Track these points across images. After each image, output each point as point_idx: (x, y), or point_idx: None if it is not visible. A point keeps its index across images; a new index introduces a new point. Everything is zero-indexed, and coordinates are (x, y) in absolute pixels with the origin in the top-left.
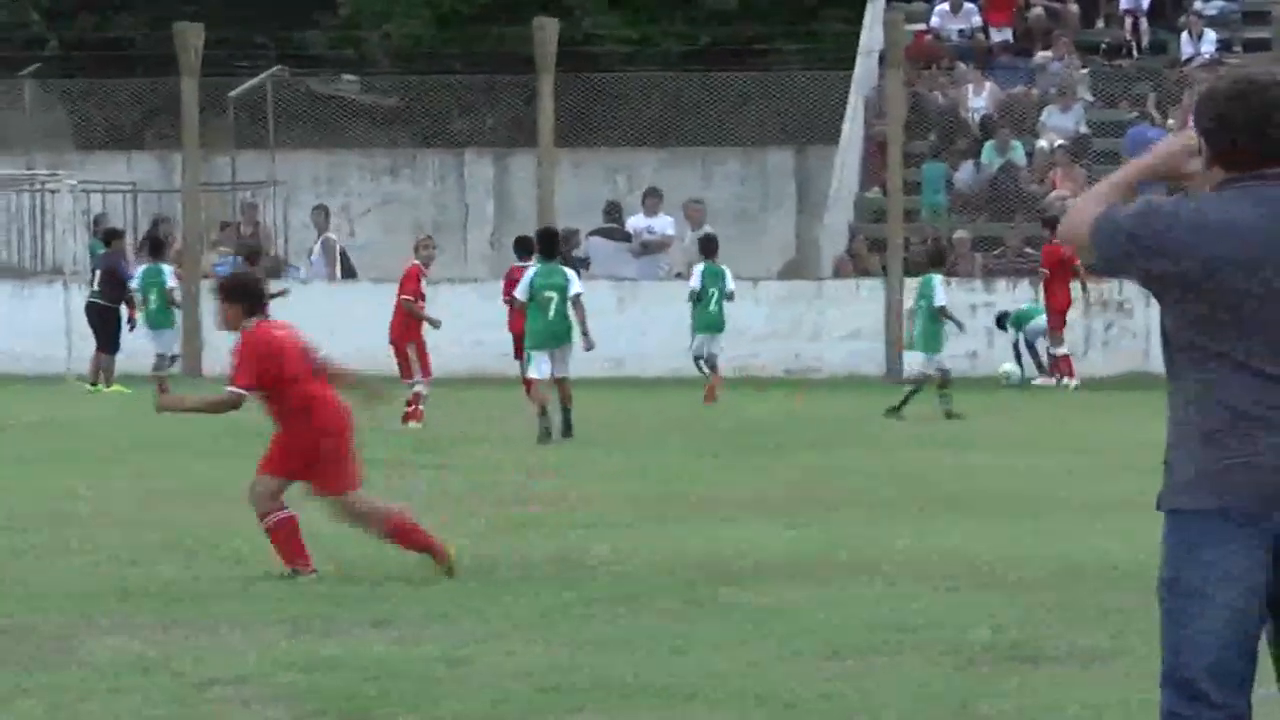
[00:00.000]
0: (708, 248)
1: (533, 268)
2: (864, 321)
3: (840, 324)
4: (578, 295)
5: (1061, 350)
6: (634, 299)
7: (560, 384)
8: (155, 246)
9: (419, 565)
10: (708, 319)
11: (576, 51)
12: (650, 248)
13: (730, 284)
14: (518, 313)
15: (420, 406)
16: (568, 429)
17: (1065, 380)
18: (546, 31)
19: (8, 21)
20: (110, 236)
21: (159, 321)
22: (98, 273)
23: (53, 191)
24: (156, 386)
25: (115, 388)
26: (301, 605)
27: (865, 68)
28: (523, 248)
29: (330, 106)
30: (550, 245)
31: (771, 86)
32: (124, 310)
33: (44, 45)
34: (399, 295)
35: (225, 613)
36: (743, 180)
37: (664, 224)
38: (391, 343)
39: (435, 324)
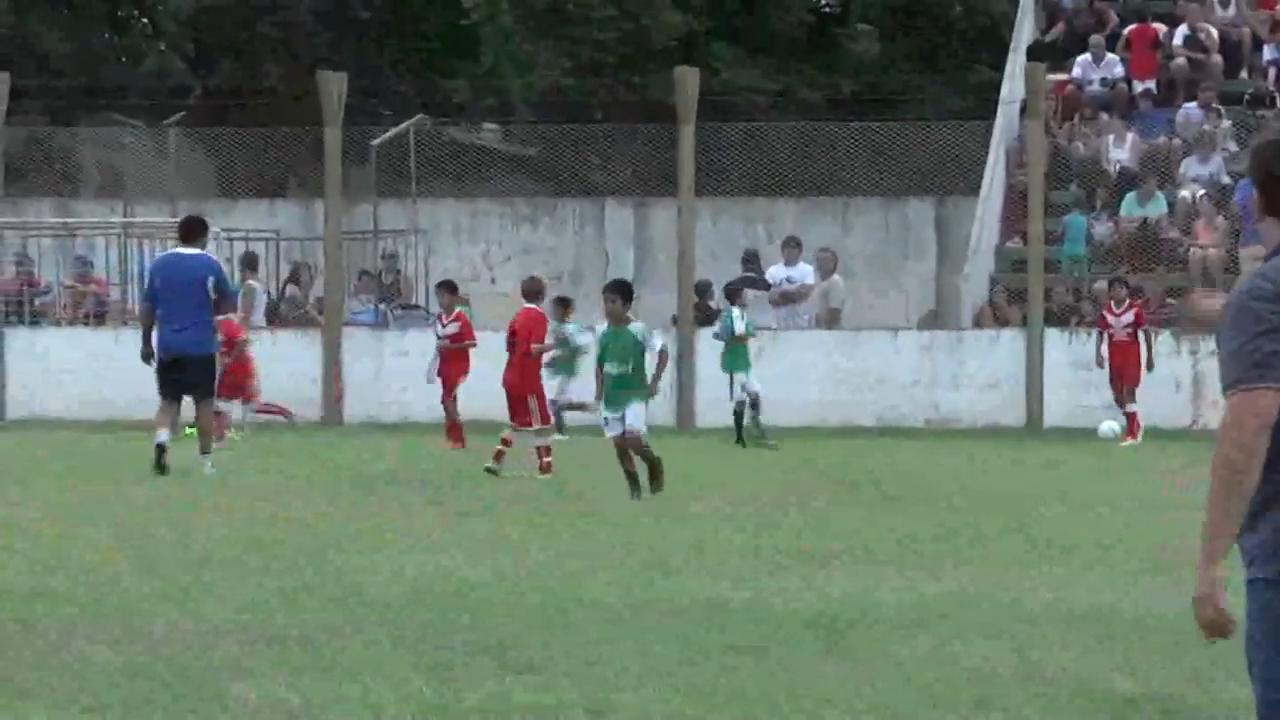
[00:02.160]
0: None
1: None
2: (1004, 371)
3: (980, 374)
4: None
5: (1133, 408)
6: (772, 348)
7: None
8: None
9: (563, 611)
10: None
11: (716, 101)
12: (789, 297)
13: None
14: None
15: (549, 458)
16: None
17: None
18: (687, 81)
19: (154, 70)
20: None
21: None
22: None
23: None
24: None
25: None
26: (444, 652)
27: (1007, 117)
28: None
29: (471, 155)
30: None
31: (911, 136)
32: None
33: (188, 94)
34: (529, 343)
35: (370, 659)
36: (882, 230)
37: (803, 273)
38: (511, 389)
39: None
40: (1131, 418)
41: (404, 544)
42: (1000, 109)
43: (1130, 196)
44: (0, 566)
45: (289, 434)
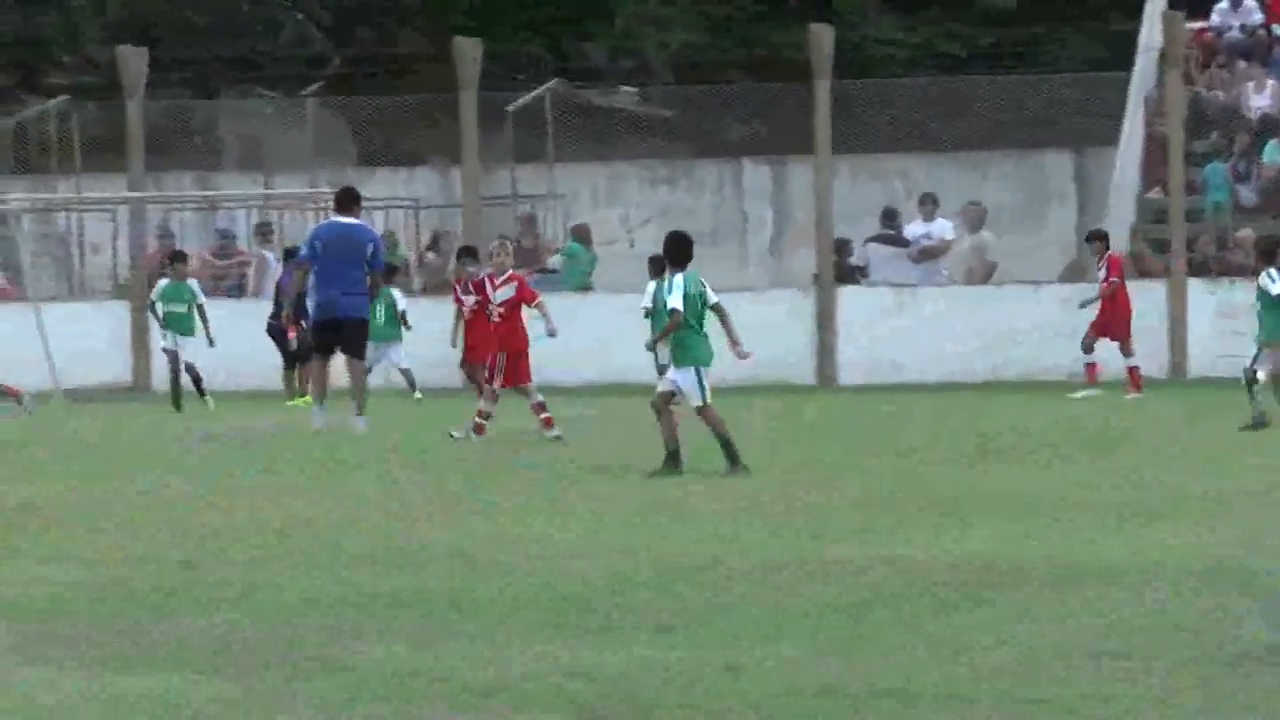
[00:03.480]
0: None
1: (679, 279)
2: (1146, 322)
3: None
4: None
5: (1133, 361)
6: (913, 304)
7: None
8: (180, 258)
9: (697, 570)
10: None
11: (852, 57)
12: (928, 253)
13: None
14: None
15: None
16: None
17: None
18: (822, 38)
19: (292, 41)
20: (287, 255)
21: (383, 335)
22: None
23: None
24: None
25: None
26: (579, 613)
27: (1145, 66)
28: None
29: (608, 118)
30: (687, 252)
31: (1049, 87)
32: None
33: (326, 64)
34: (534, 302)
35: (498, 620)
36: (1021, 183)
37: (941, 228)
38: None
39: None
40: None
41: (530, 507)
42: (1138, 58)
43: (1271, 144)
44: (149, 539)
45: (426, 398)
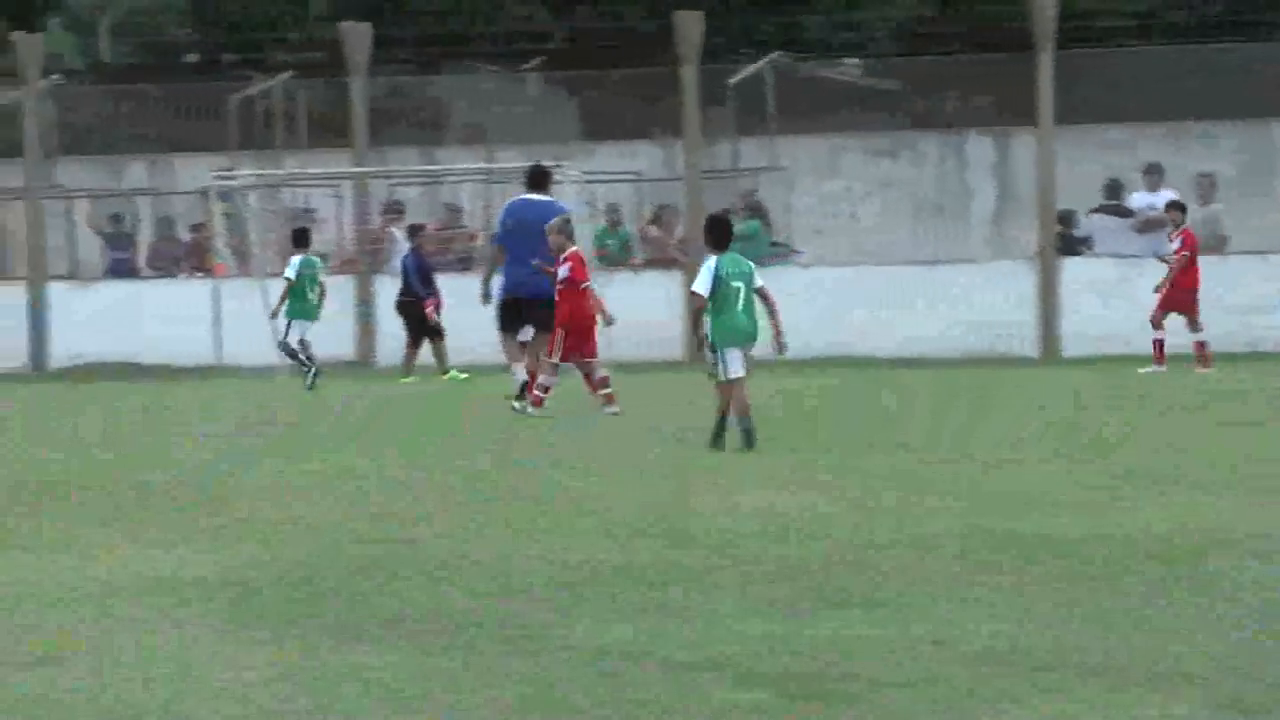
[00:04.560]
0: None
1: (712, 259)
2: None
3: None
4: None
5: (1201, 335)
6: (1138, 276)
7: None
8: (304, 237)
9: (907, 545)
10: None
11: (1077, 27)
12: (1152, 224)
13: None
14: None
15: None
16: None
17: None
18: (1045, 8)
19: (514, 16)
20: (411, 232)
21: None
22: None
23: (557, 183)
24: None
25: (450, 374)
26: (789, 588)
27: None
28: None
29: (830, 90)
30: (727, 236)
31: (1278, 56)
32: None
33: (548, 39)
34: (585, 281)
35: (711, 595)
36: (1247, 154)
37: (1166, 199)
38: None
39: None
40: None
41: (753, 481)
42: None
43: None
44: (359, 512)
45: (647, 374)
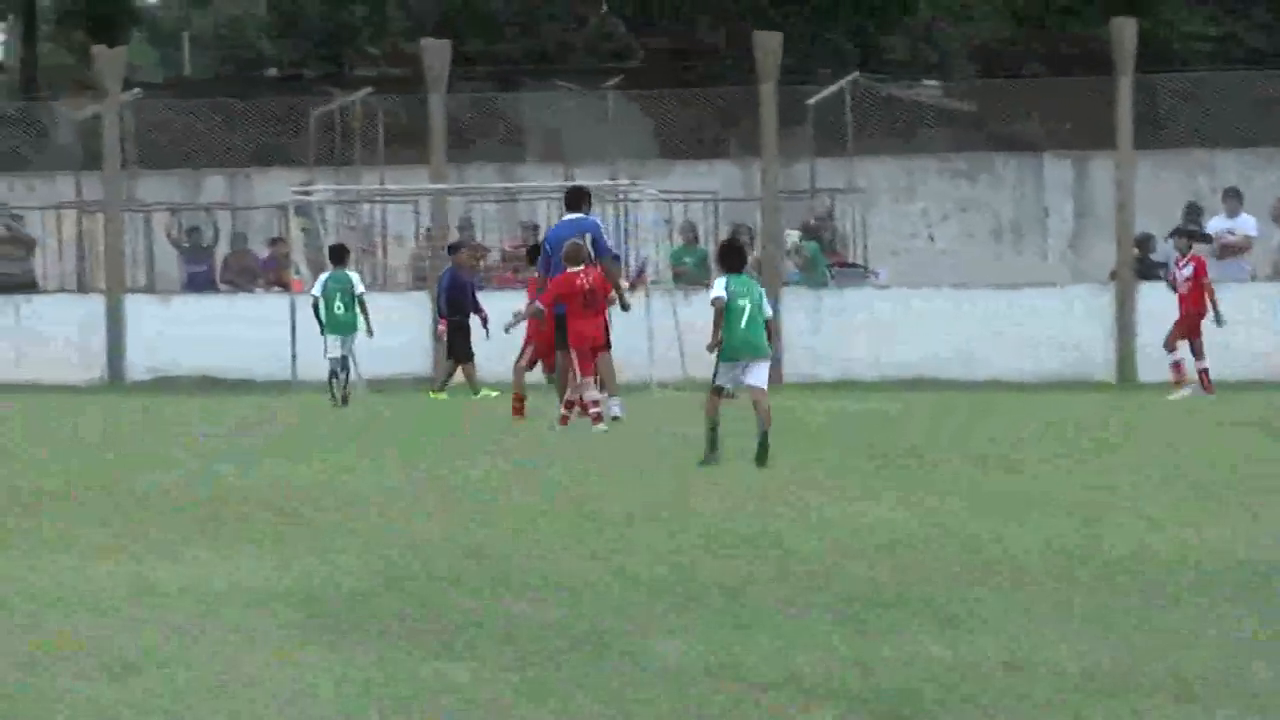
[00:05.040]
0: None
1: (722, 278)
2: None
3: None
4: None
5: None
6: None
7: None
8: (340, 253)
9: (985, 564)
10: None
11: (1156, 51)
12: (1230, 249)
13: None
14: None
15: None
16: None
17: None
18: (1125, 31)
19: (595, 34)
20: (451, 249)
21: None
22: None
23: (634, 201)
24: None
25: (484, 392)
26: (863, 605)
27: None
28: None
29: (908, 111)
30: (740, 260)
31: None
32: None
33: (628, 57)
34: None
35: (787, 612)
36: None
37: (1245, 225)
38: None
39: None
40: None
41: (831, 498)
42: None
43: None
44: (437, 525)
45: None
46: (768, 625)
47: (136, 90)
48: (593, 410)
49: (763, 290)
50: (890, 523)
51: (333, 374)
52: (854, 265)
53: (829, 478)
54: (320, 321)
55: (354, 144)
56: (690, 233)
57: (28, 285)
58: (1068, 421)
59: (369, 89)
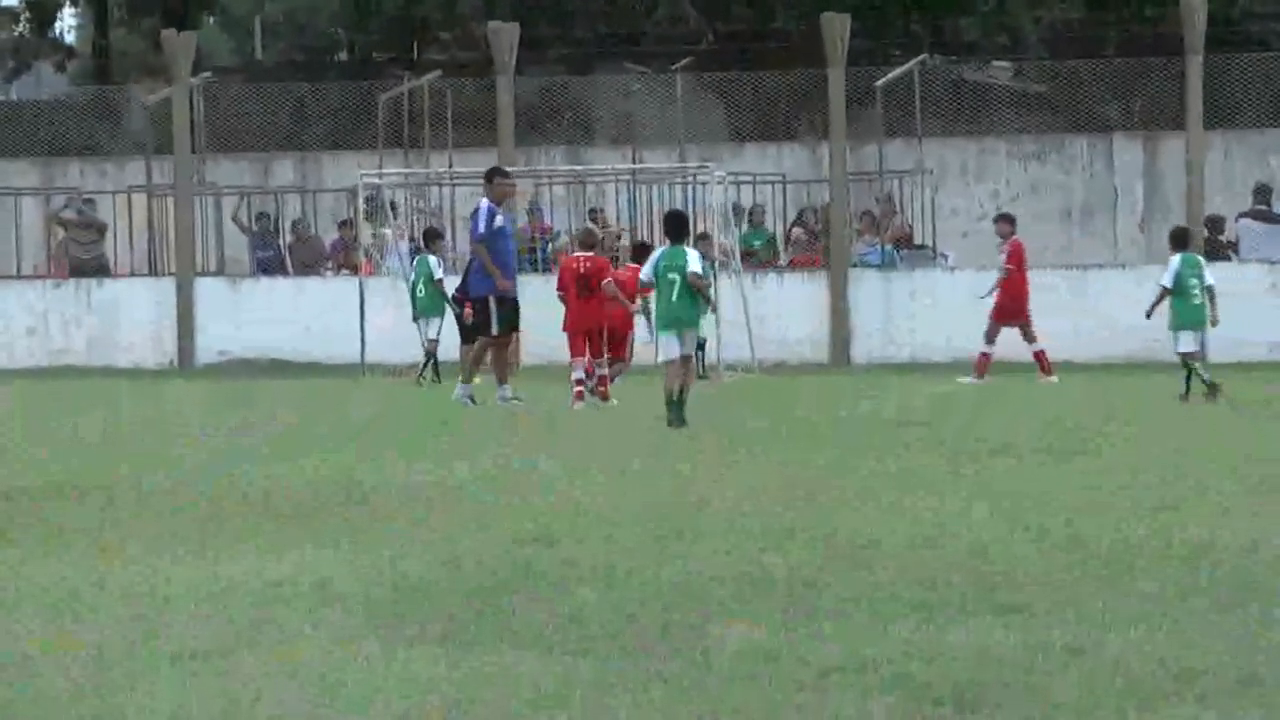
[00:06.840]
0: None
1: (658, 250)
2: None
3: None
4: (695, 273)
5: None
6: None
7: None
8: (429, 237)
9: (1055, 551)
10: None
11: (1227, 31)
12: None
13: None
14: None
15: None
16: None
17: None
18: (1195, 11)
19: (667, 17)
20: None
21: (427, 309)
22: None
23: (703, 184)
24: None
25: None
26: (925, 592)
27: None
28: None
29: (977, 93)
30: (678, 229)
31: None
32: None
33: (698, 40)
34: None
35: (849, 600)
36: None
37: None
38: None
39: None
40: None
41: (901, 486)
42: None
43: None
44: (503, 517)
45: (790, 376)
46: (833, 614)
47: (207, 74)
48: (576, 389)
49: (688, 256)
50: (962, 514)
51: (428, 356)
52: (922, 247)
53: (899, 468)
54: (413, 306)
55: (423, 128)
56: (759, 215)
57: (100, 269)
58: (1137, 406)
59: (438, 72)
